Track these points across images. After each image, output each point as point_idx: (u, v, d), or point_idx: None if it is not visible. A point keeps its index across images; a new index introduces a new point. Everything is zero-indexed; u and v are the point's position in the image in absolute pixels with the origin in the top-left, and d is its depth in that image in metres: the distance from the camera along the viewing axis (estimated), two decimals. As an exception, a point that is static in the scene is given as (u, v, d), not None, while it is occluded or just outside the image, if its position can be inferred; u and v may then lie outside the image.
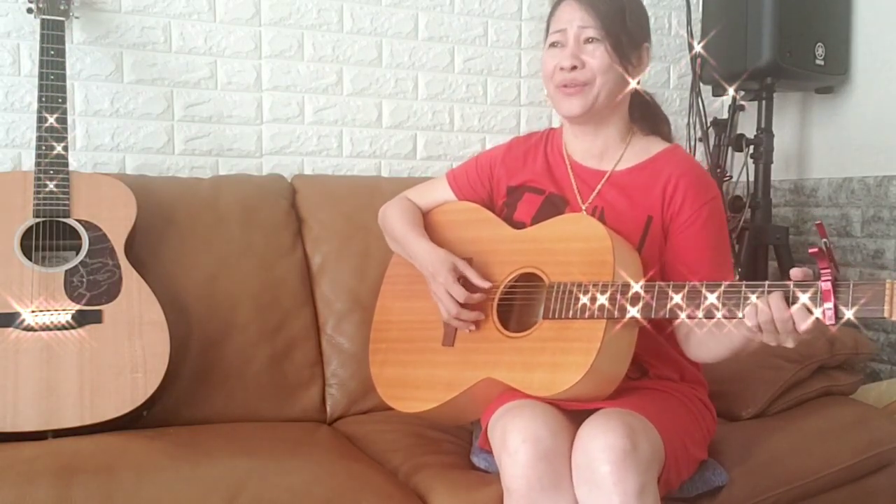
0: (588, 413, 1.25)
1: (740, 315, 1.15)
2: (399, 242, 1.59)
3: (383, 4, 2.21)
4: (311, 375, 1.79)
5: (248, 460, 1.38)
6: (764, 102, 2.39)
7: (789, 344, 1.13)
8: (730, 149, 2.48)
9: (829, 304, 1.06)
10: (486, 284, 1.40)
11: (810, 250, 1.07)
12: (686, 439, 1.33)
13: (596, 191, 1.46)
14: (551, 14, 1.46)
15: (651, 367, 1.42)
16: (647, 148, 1.47)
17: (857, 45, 2.42)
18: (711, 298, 1.17)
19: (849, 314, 1.06)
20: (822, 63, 2.33)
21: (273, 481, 1.29)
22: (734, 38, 2.31)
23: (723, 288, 1.17)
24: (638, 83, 1.47)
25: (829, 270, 1.06)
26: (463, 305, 1.40)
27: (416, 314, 1.54)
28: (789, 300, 1.11)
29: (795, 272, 1.12)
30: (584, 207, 1.45)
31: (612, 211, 1.43)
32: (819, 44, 2.32)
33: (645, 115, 1.51)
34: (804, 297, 1.09)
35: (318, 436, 1.63)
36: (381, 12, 2.21)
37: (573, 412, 1.28)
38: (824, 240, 1.08)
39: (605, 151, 1.48)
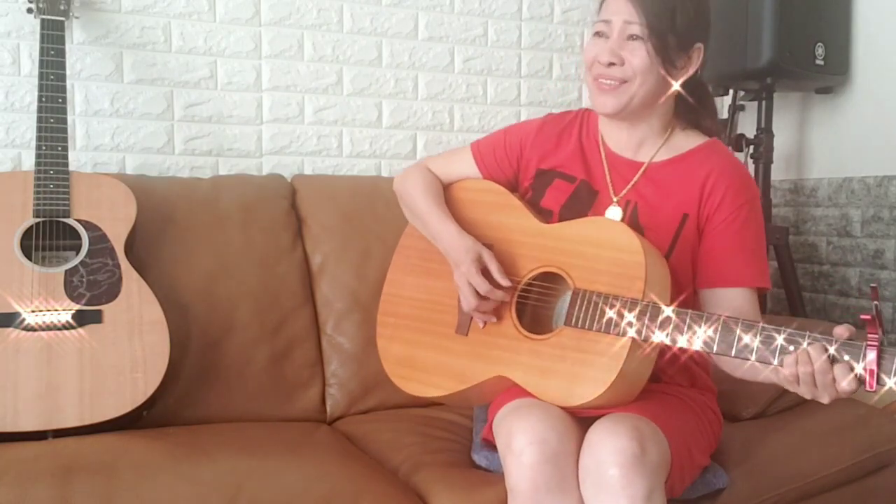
0: (595, 415, 1.25)
1: (774, 362, 1.13)
2: (421, 219, 1.53)
3: (383, 4, 2.21)
4: (311, 375, 1.79)
5: (248, 460, 1.38)
6: (764, 102, 2.39)
7: (825, 400, 1.11)
8: (730, 149, 2.48)
9: (872, 371, 1.06)
10: (506, 283, 1.35)
11: (862, 316, 1.06)
12: (692, 446, 1.32)
13: (631, 183, 1.41)
14: (601, 3, 1.38)
15: (663, 374, 1.41)
16: (686, 141, 1.42)
17: (857, 45, 2.42)
18: (746, 339, 1.14)
19: (890, 383, 1.05)
20: (822, 63, 2.33)
21: (273, 481, 1.29)
22: (734, 38, 2.31)
23: (759, 328, 1.14)
24: (699, 85, 1.41)
25: (876, 336, 1.06)
26: (483, 298, 1.36)
27: (429, 293, 1.51)
28: (829, 356, 1.09)
29: (840, 331, 1.10)
30: (615, 200, 1.41)
31: (645, 206, 1.39)
32: (819, 44, 2.32)
33: (690, 107, 1.43)
34: (847, 357, 1.08)
35: (318, 436, 1.63)
36: (381, 12, 2.21)
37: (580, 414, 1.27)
38: (876, 303, 1.07)
39: (641, 143, 1.42)
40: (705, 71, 2.45)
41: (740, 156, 2.51)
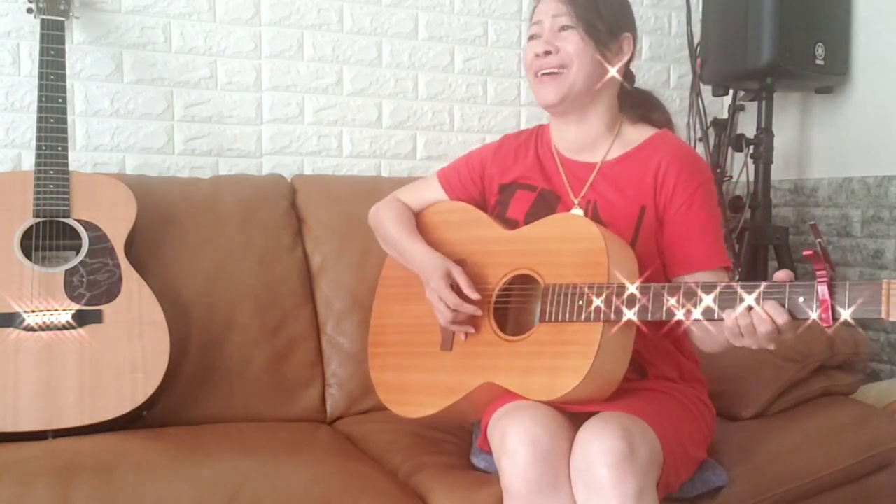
0: (587, 415, 1.25)
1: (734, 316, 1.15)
2: (393, 246, 1.58)
3: (383, 4, 2.21)
4: (311, 375, 1.79)
5: (248, 460, 1.38)
6: (764, 102, 2.39)
7: (771, 347, 1.14)
8: (730, 149, 2.48)
9: (826, 306, 1.06)
10: (474, 295, 1.39)
11: (805, 253, 1.07)
12: (685, 440, 1.32)
13: (587, 184, 1.45)
14: (532, 10, 1.48)
15: (650, 368, 1.42)
16: (635, 136, 1.47)
17: (857, 45, 2.42)
18: (707, 300, 1.16)
19: (846, 315, 1.06)
20: (822, 63, 2.33)
21: (273, 481, 1.29)
22: (734, 38, 2.31)
23: (719, 290, 1.16)
24: (624, 75, 1.46)
25: (824, 272, 1.06)
26: (456, 311, 1.39)
27: (412, 317, 1.54)
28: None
29: (782, 276, 1.13)
30: (576, 202, 1.45)
31: (604, 203, 1.42)
32: (819, 44, 2.32)
33: (635, 104, 1.50)
34: (801, 299, 1.10)
35: (318, 436, 1.63)
36: (381, 12, 2.21)
37: (572, 414, 1.28)
38: (819, 240, 1.08)
39: (592, 143, 1.47)
40: (704, 70, 2.47)
41: (740, 156, 2.51)
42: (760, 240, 2.41)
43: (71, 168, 1.60)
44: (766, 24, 2.24)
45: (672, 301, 1.19)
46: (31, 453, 1.33)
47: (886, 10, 2.35)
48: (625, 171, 1.43)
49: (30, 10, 1.72)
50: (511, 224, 1.48)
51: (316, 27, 2.14)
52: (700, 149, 2.55)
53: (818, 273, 1.07)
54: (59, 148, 1.59)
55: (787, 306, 1.10)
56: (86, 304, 1.49)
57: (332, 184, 2.05)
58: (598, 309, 1.24)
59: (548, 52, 1.40)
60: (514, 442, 1.20)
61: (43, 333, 1.45)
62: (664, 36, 2.65)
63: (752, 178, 2.46)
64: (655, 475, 1.21)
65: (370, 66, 2.21)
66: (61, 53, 1.66)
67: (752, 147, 2.42)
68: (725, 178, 2.53)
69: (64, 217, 1.55)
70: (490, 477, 1.36)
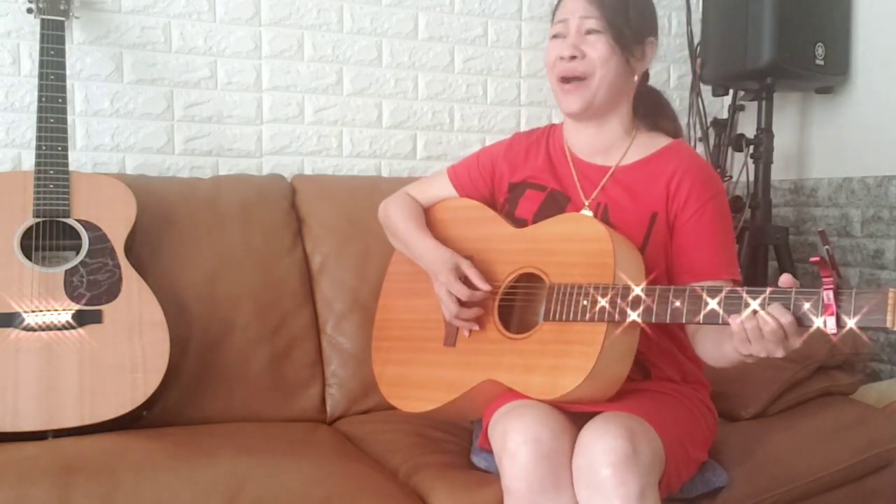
0: (590, 414, 1.25)
1: (742, 318, 1.13)
2: (402, 240, 1.58)
3: (383, 4, 2.21)
4: (311, 375, 1.79)
5: (248, 460, 1.38)
6: (764, 102, 2.39)
7: (779, 354, 1.12)
8: (730, 149, 2.48)
9: (832, 314, 1.05)
10: (485, 286, 1.39)
11: (812, 259, 1.06)
12: (687, 442, 1.32)
13: (599, 187, 1.45)
14: (556, 6, 1.46)
15: (654, 369, 1.42)
16: (650, 143, 1.46)
17: (857, 45, 2.42)
18: (712, 304, 1.16)
19: (851, 323, 1.05)
20: (822, 63, 2.33)
21: (273, 481, 1.29)
22: (734, 38, 2.31)
23: (724, 294, 1.15)
24: (641, 77, 1.46)
25: (831, 279, 1.05)
26: (464, 305, 1.39)
27: (417, 313, 1.54)
28: (790, 308, 1.10)
29: (787, 280, 1.12)
30: (587, 204, 1.44)
31: (616, 207, 1.42)
32: (819, 44, 2.32)
33: (648, 111, 1.50)
34: (807, 305, 1.09)
35: (318, 436, 1.63)
36: (381, 12, 2.21)
37: (574, 413, 1.28)
38: (826, 247, 1.07)
39: (608, 147, 1.47)
40: (704, 70, 2.47)
41: (740, 156, 2.51)
42: (760, 240, 2.41)
43: (71, 168, 1.60)
44: (766, 24, 2.24)
45: (677, 304, 1.19)
46: (31, 453, 1.33)
47: (886, 10, 2.35)
48: (639, 177, 1.43)
49: (30, 10, 1.72)
50: (519, 223, 1.48)
51: (316, 27, 2.14)
52: (700, 149, 2.55)
53: (825, 280, 1.06)
54: (59, 148, 1.59)
55: (791, 311, 1.09)
56: (86, 304, 1.49)
57: (332, 184, 2.05)
58: (602, 309, 1.24)
59: (573, 57, 1.38)
60: (516, 441, 1.20)
61: (43, 333, 1.45)
62: (664, 36, 2.65)
63: (752, 178, 2.46)
64: (658, 475, 1.20)
65: (370, 66, 2.21)
66: (61, 53, 1.66)
67: (752, 147, 2.42)
68: (725, 179, 2.52)
69: (64, 217, 1.55)
70: (490, 477, 1.36)
